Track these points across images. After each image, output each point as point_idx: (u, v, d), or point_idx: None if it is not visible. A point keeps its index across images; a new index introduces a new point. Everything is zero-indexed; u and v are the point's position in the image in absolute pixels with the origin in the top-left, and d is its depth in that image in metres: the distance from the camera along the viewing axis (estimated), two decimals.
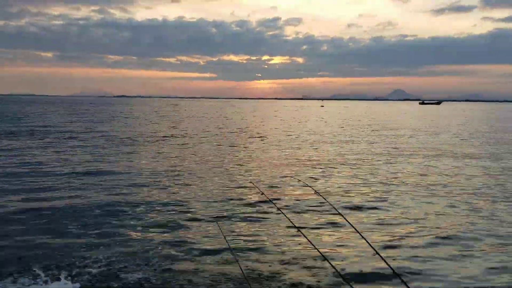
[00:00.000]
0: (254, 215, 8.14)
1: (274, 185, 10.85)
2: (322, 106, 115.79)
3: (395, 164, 14.48)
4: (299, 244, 6.53)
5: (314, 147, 19.45)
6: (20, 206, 8.58)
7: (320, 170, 13.15)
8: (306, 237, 3.68)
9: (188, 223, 7.63)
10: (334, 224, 7.55)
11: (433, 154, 17.36)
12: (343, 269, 5.58)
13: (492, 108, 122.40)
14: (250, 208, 8.63)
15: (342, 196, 9.77)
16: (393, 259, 5.97)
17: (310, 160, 15.18)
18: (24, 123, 31.49)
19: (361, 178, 11.82)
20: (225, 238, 4.23)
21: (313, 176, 12.07)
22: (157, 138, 22.55)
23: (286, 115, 56.79)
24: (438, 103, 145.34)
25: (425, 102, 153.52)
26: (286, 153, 17.07)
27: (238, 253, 6.17)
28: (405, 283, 2.90)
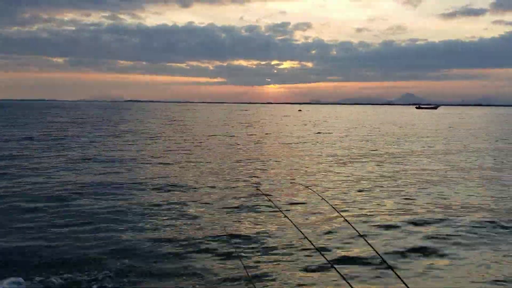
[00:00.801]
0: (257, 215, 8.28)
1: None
2: (300, 110, 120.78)
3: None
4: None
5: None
6: None
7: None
8: (313, 245, 3.80)
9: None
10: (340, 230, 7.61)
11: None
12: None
13: (486, 113, 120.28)
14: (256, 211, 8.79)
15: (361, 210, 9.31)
16: None
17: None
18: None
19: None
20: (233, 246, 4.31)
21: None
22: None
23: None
24: (435, 107, 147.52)
25: (422, 106, 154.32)
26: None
27: (244, 257, 6.27)
28: None
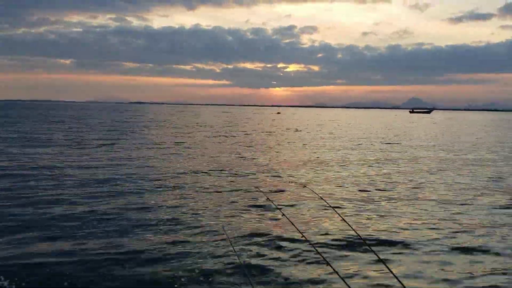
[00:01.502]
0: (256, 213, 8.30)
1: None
2: (279, 112, 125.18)
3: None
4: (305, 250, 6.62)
5: None
6: None
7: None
8: (312, 244, 3.81)
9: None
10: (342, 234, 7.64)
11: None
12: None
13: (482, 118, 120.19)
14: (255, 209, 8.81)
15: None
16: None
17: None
18: None
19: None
20: (231, 244, 4.36)
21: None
22: None
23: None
24: (429, 111, 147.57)
25: (415, 110, 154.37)
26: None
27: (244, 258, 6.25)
28: None
